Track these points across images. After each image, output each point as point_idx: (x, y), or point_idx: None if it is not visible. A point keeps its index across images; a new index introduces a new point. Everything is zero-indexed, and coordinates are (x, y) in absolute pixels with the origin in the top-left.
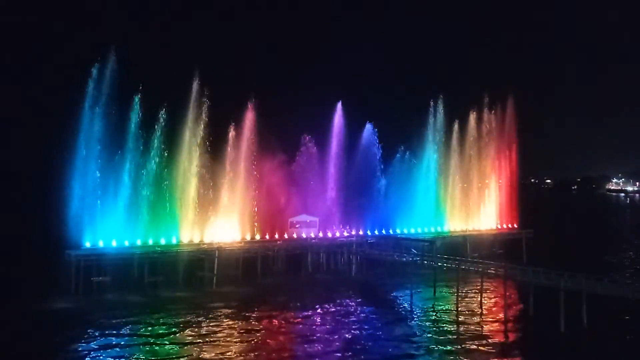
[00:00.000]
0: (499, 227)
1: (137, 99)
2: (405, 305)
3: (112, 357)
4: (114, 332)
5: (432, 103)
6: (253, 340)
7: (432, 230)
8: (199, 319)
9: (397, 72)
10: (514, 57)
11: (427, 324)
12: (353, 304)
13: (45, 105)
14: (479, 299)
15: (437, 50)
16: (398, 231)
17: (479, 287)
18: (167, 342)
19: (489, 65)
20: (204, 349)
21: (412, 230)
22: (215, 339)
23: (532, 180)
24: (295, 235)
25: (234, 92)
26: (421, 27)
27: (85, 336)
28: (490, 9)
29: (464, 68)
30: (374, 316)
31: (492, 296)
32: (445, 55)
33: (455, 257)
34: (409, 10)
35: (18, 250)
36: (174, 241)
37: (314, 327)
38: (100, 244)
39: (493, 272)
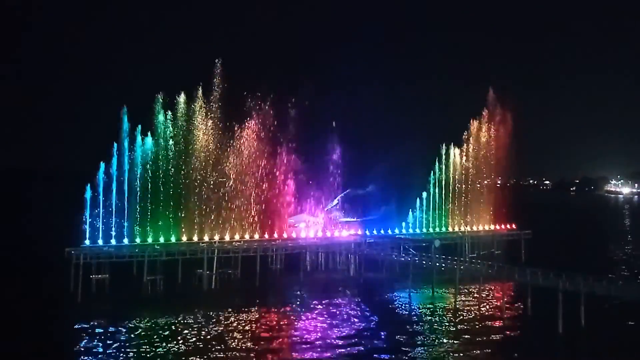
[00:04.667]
0: (497, 227)
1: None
2: (404, 305)
3: (110, 355)
4: (113, 330)
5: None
6: (251, 338)
7: (431, 230)
8: (198, 317)
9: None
10: (515, 58)
11: (425, 324)
12: (351, 303)
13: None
14: (477, 299)
15: (442, 51)
16: (397, 231)
17: (477, 288)
18: (166, 341)
19: (489, 66)
20: (202, 348)
21: (411, 231)
22: (213, 337)
23: (531, 181)
24: (294, 235)
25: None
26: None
27: (84, 334)
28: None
29: (464, 68)
30: (372, 316)
31: (490, 297)
32: (447, 53)
33: (454, 257)
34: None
35: (18, 247)
36: (172, 240)
37: (312, 326)
38: (100, 242)
39: (491, 272)
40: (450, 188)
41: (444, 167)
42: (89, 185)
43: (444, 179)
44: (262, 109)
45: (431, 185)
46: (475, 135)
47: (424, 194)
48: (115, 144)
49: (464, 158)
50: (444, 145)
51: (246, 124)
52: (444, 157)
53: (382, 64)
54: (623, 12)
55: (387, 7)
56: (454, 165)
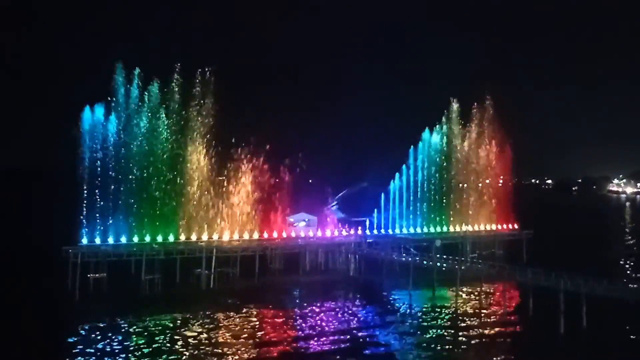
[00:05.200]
0: (499, 227)
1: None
2: (404, 305)
3: (108, 354)
4: (111, 329)
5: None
6: (249, 338)
7: (432, 230)
8: (196, 316)
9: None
10: (516, 57)
11: (426, 324)
12: (351, 303)
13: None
14: (478, 299)
15: (440, 50)
16: (397, 231)
17: (478, 288)
18: (164, 340)
19: (490, 64)
20: (200, 347)
21: (412, 230)
22: (212, 336)
23: (533, 180)
24: (293, 234)
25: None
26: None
27: (81, 333)
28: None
29: (465, 66)
30: (372, 316)
31: (492, 297)
32: (448, 55)
33: (455, 257)
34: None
35: (15, 246)
36: (171, 239)
37: (311, 326)
38: (97, 240)
39: (492, 272)
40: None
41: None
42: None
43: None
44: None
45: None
46: (479, 119)
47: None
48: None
49: (466, 139)
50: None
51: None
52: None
53: (381, 68)
54: (624, 12)
55: (381, 12)
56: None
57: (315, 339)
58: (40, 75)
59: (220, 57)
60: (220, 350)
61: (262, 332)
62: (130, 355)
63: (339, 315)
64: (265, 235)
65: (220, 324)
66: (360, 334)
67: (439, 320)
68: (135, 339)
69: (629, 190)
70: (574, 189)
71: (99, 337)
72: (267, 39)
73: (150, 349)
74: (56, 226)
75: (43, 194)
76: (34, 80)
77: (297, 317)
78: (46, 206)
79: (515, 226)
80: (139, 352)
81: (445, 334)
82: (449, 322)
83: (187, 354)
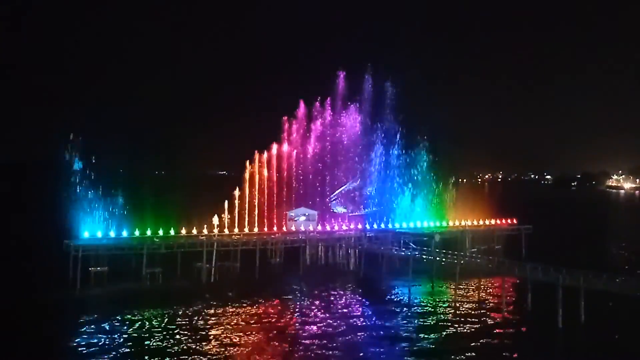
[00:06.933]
0: (498, 222)
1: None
2: (403, 299)
3: (109, 348)
4: (111, 323)
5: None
6: (249, 332)
7: (432, 224)
8: (197, 310)
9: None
10: (515, 53)
11: (425, 318)
12: (350, 297)
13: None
14: (477, 294)
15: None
16: (397, 225)
17: (477, 283)
18: (165, 333)
19: (490, 61)
20: (201, 340)
21: (412, 225)
22: (212, 330)
23: (532, 175)
24: (293, 228)
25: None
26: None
27: (83, 327)
28: None
29: (464, 66)
30: (371, 310)
31: (490, 291)
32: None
33: (454, 252)
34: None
35: (17, 240)
36: (172, 232)
37: (311, 319)
38: (99, 234)
39: (491, 267)
40: None
41: None
42: None
43: None
44: None
45: None
46: None
47: None
48: None
49: None
50: None
51: None
52: None
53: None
54: (623, 7)
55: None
56: None
57: (315, 332)
58: (35, 70)
59: None
60: (220, 344)
61: (262, 326)
62: (130, 348)
63: (339, 309)
64: (266, 229)
65: (221, 318)
66: (359, 328)
67: (438, 314)
68: (135, 332)
69: (628, 185)
70: (573, 184)
71: (99, 330)
72: None
73: (151, 342)
74: (58, 220)
75: (44, 186)
76: (29, 75)
77: (297, 311)
78: (47, 199)
79: (515, 221)
80: (140, 345)
81: (444, 328)
82: (447, 317)
83: (188, 347)
